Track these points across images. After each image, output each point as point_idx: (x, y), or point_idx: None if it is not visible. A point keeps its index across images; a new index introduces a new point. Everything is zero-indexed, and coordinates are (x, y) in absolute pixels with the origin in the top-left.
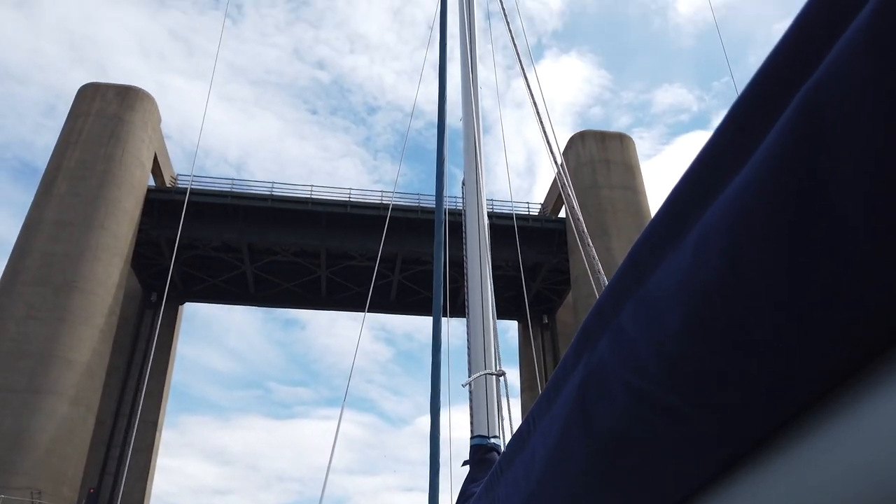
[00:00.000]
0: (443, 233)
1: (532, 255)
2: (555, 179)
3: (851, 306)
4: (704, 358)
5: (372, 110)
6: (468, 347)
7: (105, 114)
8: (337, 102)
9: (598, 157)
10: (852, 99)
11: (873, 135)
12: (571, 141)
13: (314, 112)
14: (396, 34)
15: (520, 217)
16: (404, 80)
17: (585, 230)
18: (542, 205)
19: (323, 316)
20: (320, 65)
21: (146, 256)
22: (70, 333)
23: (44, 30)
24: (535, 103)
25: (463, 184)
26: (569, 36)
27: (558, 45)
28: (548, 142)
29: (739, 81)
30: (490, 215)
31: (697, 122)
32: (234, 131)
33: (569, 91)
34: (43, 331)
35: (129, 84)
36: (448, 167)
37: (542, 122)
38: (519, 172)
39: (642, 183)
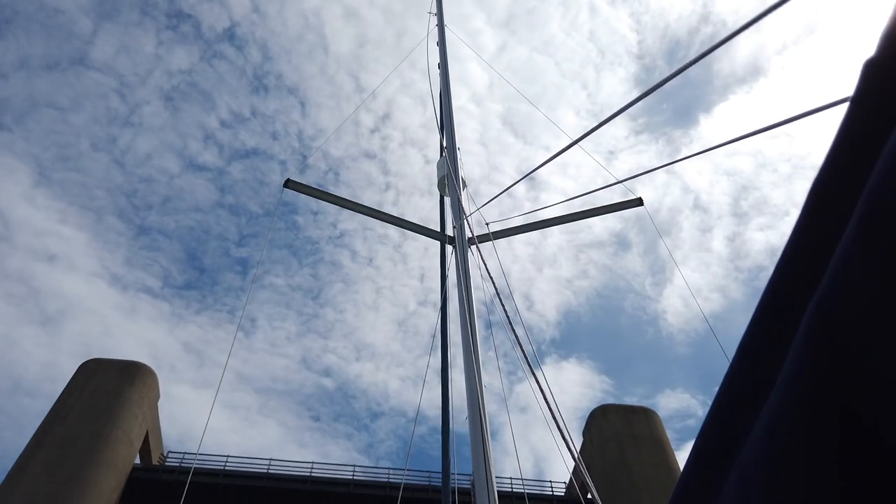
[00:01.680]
0: None
1: None
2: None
3: None
4: None
5: (375, 416)
6: None
7: (102, 389)
8: (340, 409)
9: (623, 431)
10: (864, 299)
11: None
12: (592, 416)
13: (317, 419)
14: (401, 343)
15: (540, 498)
16: (408, 385)
17: None
18: (566, 484)
19: None
20: (327, 372)
21: None
22: None
23: (62, 344)
24: (541, 388)
25: (472, 485)
26: (567, 344)
27: (558, 353)
28: (559, 426)
29: None
30: (506, 495)
31: None
32: (233, 440)
33: (572, 395)
34: None
35: (133, 360)
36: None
37: (550, 407)
38: (527, 478)
39: (675, 460)
